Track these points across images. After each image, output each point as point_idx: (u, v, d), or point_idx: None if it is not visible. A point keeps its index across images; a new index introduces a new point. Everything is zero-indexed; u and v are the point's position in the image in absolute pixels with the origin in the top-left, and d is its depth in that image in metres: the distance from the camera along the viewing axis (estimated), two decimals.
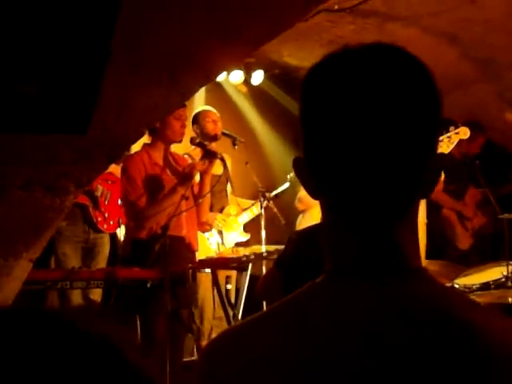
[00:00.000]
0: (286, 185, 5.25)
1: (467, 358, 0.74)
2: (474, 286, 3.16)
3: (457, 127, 3.55)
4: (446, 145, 3.53)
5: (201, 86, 2.63)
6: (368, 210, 0.81)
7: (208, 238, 4.69)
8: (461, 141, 3.67)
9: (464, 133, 3.59)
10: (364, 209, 0.81)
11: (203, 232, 4.59)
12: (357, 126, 0.79)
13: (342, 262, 0.83)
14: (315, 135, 0.83)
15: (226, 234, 4.81)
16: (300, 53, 5.19)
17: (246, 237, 5.08)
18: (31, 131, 1.82)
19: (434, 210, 4.76)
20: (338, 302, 0.80)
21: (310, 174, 0.85)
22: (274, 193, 5.08)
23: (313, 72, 0.84)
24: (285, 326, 0.82)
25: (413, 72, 0.81)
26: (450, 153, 3.81)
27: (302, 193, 5.34)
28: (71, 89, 1.67)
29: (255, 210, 4.97)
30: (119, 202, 4.65)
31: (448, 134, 3.54)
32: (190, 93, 2.63)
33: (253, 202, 5.08)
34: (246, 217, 5.05)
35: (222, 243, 4.72)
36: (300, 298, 0.84)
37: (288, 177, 5.30)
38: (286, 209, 5.32)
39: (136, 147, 4.10)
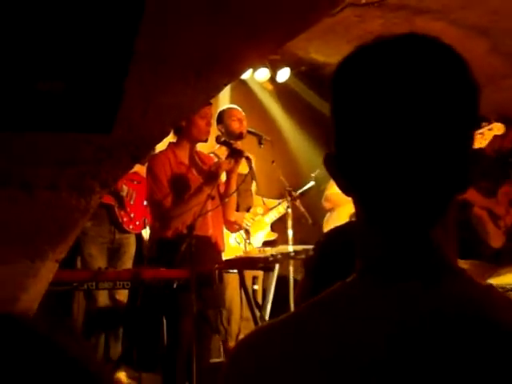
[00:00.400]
0: (311, 183, 5.24)
1: (507, 365, 0.71)
2: (507, 286, 3.11)
3: (489, 123, 3.50)
4: (479, 141, 3.49)
5: (226, 84, 2.63)
6: (404, 208, 0.79)
7: (235, 238, 4.70)
8: (493, 137, 3.63)
9: (498, 129, 3.54)
10: (400, 206, 0.79)
11: (232, 232, 4.59)
12: (392, 120, 0.78)
13: (374, 260, 0.82)
14: (348, 131, 0.82)
15: (252, 233, 4.81)
16: (327, 49, 5.17)
17: (273, 236, 5.08)
18: (55, 130, 1.84)
19: (465, 208, 4.70)
20: (368, 302, 0.79)
21: (341, 171, 0.83)
22: (300, 191, 5.07)
23: (344, 65, 0.83)
24: (314, 325, 0.81)
25: (450, 63, 0.80)
26: (481, 149, 3.77)
27: (329, 191, 5.32)
28: (96, 87, 1.68)
29: (282, 209, 4.96)
30: (145, 202, 4.68)
31: (481, 131, 3.50)
32: (215, 91, 2.63)
33: (279, 201, 5.07)
34: (273, 216, 5.05)
35: (249, 243, 4.72)
36: (329, 297, 0.83)
37: (313, 175, 5.28)
38: (312, 207, 5.30)
39: (161, 146, 4.12)
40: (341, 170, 0.83)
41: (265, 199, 5.02)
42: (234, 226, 4.48)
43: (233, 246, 4.70)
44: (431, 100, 0.77)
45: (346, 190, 0.85)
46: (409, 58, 0.79)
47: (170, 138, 3.94)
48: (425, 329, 0.74)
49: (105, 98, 1.71)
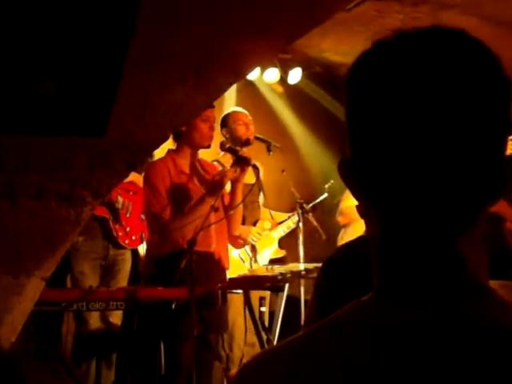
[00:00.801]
0: (325, 195, 5.24)
1: None
2: None
3: None
4: (510, 148, 3.49)
5: (230, 85, 2.64)
6: (429, 220, 0.78)
7: (239, 255, 4.70)
8: None
9: None
10: (424, 218, 0.78)
11: (237, 248, 4.59)
12: (416, 122, 0.76)
13: (393, 278, 0.81)
14: (365, 134, 0.81)
15: (259, 250, 4.81)
16: (342, 47, 5.18)
17: (280, 254, 5.07)
18: (44, 133, 1.85)
19: (495, 223, 4.68)
20: (387, 327, 0.78)
21: (357, 179, 0.83)
22: (312, 204, 5.07)
23: (360, 62, 0.82)
24: (324, 349, 0.79)
25: (480, 59, 0.78)
26: None
27: (344, 204, 5.32)
28: (88, 88, 1.70)
29: (291, 223, 4.96)
30: (142, 215, 4.69)
31: None
32: (218, 92, 2.64)
33: (289, 214, 5.07)
34: (282, 231, 5.05)
35: (255, 261, 4.71)
36: (343, 319, 0.82)
37: (326, 186, 5.28)
38: (326, 222, 5.30)
39: (160, 153, 4.14)
40: (357, 177, 0.83)
41: (273, 212, 5.03)
42: (238, 241, 4.47)
43: (238, 263, 4.70)
44: (460, 100, 0.75)
45: (361, 200, 0.84)
46: (434, 53, 0.77)
47: (170, 144, 3.96)
48: (452, 362, 0.73)
49: (97, 98, 1.73)
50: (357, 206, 2.75)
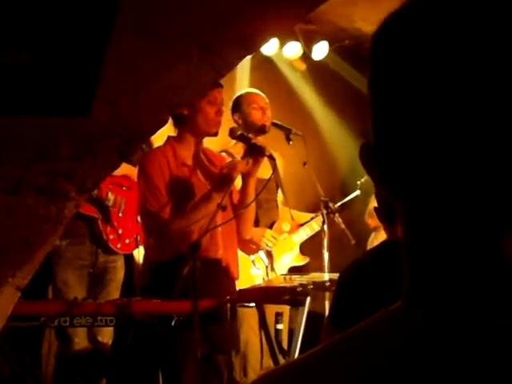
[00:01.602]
0: (356, 193, 5.23)
1: None
2: None
3: None
4: None
5: (240, 59, 2.65)
6: (470, 213, 0.78)
7: (253, 262, 4.71)
8: None
9: None
10: (464, 211, 0.78)
11: (248, 254, 4.60)
12: (456, 96, 0.75)
13: (425, 283, 0.81)
14: (392, 112, 0.80)
15: (276, 256, 4.82)
16: (377, 16, 5.17)
17: (303, 261, 5.08)
18: (18, 112, 1.87)
19: None
20: (417, 340, 0.78)
21: (382, 168, 0.82)
22: (341, 203, 5.07)
23: (387, 24, 0.81)
24: (349, 366, 0.80)
25: None
26: None
27: (375, 204, 5.31)
28: (69, 57, 1.72)
29: (315, 225, 4.97)
30: (137, 214, 4.72)
31: None
32: (226, 68, 2.65)
33: (312, 215, 5.07)
34: (304, 234, 5.05)
35: (272, 269, 4.72)
36: (369, 331, 0.82)
37: (358, 183, 5.28)
38: (357, 224, 5.30)
39: (158, 141, 4.15)
40: (381, 166, 0.82)
41: (293, 212, 5.03)
42: (249, 246, 4.48)
43: (252, 273, 4.72)
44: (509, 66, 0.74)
45: (387, 193, 0.84)
46: (477, 10, 0.76)
47: (169, 130, 3.97)
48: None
49: (81, 71, 1.74)
50: (375, 209, 2.77)
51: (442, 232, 0.80)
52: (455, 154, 0.77)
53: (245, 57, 2.64)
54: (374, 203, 5.32)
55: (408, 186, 0.81)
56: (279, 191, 4.96)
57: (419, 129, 0.78)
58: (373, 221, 5.38)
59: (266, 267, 4.72)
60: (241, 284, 4.14)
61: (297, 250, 5.06)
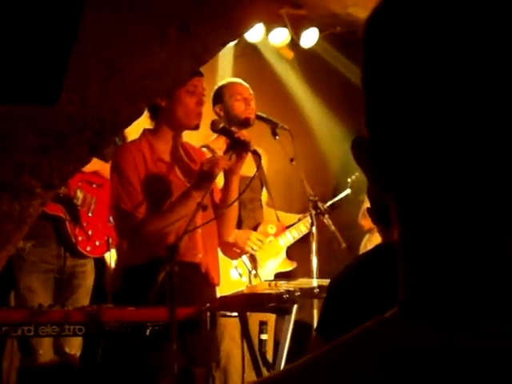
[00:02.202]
0: (347, 191, 5.23)
1: None
2: None
3: None
4: None
5: (223, 45, 2.65)
6: (470, 213, 0.77)
7: (235, 267, 4.70)
8: None
9: None
10: (464, 211, 0.78)
11: (231, 258, 4.59)
12: (455, 85, 0.75)
13: (424, 291, 0.81)
14: (387, 104, 0.80)
15: (261, 261, 4.82)
16: (372, 0, 5.18)
17: (290, 266, 5.07)
18: None
19: None
20: (418, 354, 0.77)
21: (376, 162, 0.82)
22: (330, 203, 5.06)
23: (380, 10, 0.80)
24: (339, 378, 0.80)
25: None
26: None
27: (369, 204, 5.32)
28: (35, 39, 1.69)
29: (303, 227, 4.96)
30: (109, 214, 4.70)
31: None
32: (207, 54, 2.65)
33: (300, 216, 5.07)
34: (291, 237, 5.05)
35: (256, 274, 4.71)
36: (361, 340, 0.82)
37: (349, 180, 5.27)
38: (348, 226, 5.30)
39: (132, 134, 4.13)
40: (375, 161, 0.82)
41: (279, 213, 5.02)
42: (233, 250, 4.47)
43: (233, 279, 4.71)
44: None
45: (381, 189, 0.84)
46: None
47: (145, 122, 3.95)
48: None
49: (47, 54, 1.72)
50: (368, 210, 2.78)
51: (441, 234, 0.80)
52: (455, 149, 0.76)
53: (228, 42, 2.63)
54: (368, 203, 5.34)
55: (405, 184, 0.81)
56: (264, 190, 4.95)
57: (416, 122, 0.78)
58: (367, 222, 5.39)
59: (250, 272, 4.71)
60: (222, 290, 4.13)
61: (283, 254, 5.05)
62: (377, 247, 2.93)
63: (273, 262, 4.95)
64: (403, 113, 0.79)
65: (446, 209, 0.79)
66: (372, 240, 5.33)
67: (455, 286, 0.79)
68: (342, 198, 5.25)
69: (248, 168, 4.21)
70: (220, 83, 4.86)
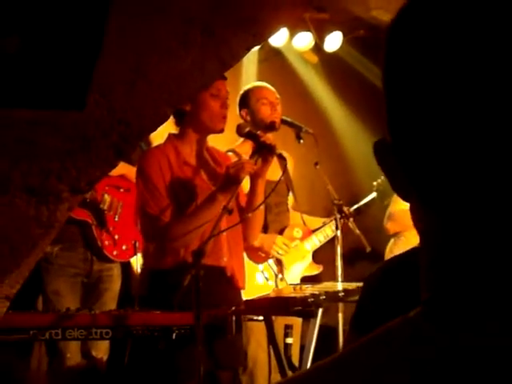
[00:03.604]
0: (372, 195, 5.21)
1: None
2: None
3: None
4: None
5: (248, 50, 2.64)
6: (496, 217, 0.77)
7: (262, 271, 4.69)
8: None
9: None
10: (489, 214, 0.77)
11: (256, 262, 4.59)
12: (479, 88, 0.75)
13: (445, 292, 0.81)
14: (409, 106, 0.79)
15: (287, 265, 4.81)
16: (395, 4, 5.16)
17: (316, 270, 5.06)
18: (4, 106, 1.85)
19: None
20: (444, 353, 0.77)
21: (399, 165, 0.81)
22: (355, 207, 5.04)
23: (403, 13, 0.81)
24: (362, 379, 0.80)
25: None
26: None
27: (394, 207, 5.30)
28: (62, 45, 1.70)
29: (330, 231, 4.95)
30: (135, 219, 4.70)
31: None
32: (232, 58, 2.64)
33: (326, 220, 5.05)
34: (317, 241, 5.04)
35: (282, 278, 4.70)
36: (386, 340, 0.82)
37: (374, 184, 5.25)
38: (374, 230, 5.28)
39: (158, 139, 4.13)
40: (398, 162, 0.81)
41: (306, 217, 5.00)
42: (258, 255, 4.46)
43: (260, 283, 4.70)
44: None
45: (404, 192, 0.83)
46: None
47: (171, 127, 3.95)
48: None
49: (75, 60, 1.72)
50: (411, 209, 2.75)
51: (466, 237, 0.79)
52: (482, 151, 0.75)
53: (253, 46, 2.63)
54: (394, 206, 5.32)
55: (430, 187, 0.80)
56: (290, 194, 4.94)
57: (440, 124, 0.77)
58: (393, 225, 5.36)
59: (276, 276, 4.70)
60: (247, 294, 4.12)
61: (309, 258, 5.04)
62: (414, 249, 2.90)
63: (299, 265, 4.94)
64: (425, 116, 0.78)
65: (475, 215, 0.78)
66: (398, 244, 5.30)
67: (484, 292, 0.78)
68: (367, 203, 5.23)
69: (274, 172, 4.20)
70: (246, 87, 4.86)
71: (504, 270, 0.77)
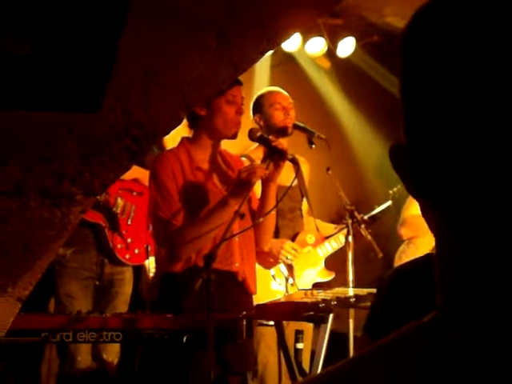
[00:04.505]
0: (388, 203, 5.20)
1: None
2: None
3: None
4: None
5: (262, 54, 2.63)
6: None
7: (273, 276, 4.68)
8: None
9: None
10: (506, 220, 0.77)
11: (266, 267, 4.58)
12: (497, 93, 0.74)
13: (458, 298, 0.81)
14: (426, 111, 0.79)
15: (300, 271, 4.80)
16: (409, 9, 5.15)
17: (328, 276, 5.05)
18: (18, 107, 1.86)
19: None
20: (459, 361, 0.77)
21: (415, 170, 0.82)
22: (370, 214, 5.03)
23: (419, 18, 0.81)
24: (371, 381, 0.80)
25: None
26: None
27: (408, 212, 5.28)
28: (76, 46, 1.70)
29: (343, 238, 4.93)
30: (148, 222, 4.70)
31: None
32: (246, 62, 2.63)
33: (340, 226, 5.03)
34: (330, 248, 5.03)
35: (293, 283, 4.70)
36: (399, 346, 0.82)
37: (390, 192, 5.24)
38: (384, 236, 5.27)
39: (171, 143, 4.14)
40: (413, 166, 0.82)
41: (320, 223, 4.99)
42: (267, 260, 4.46)
43: (273, 288, 4.69)
44: None
45: (419, 197, 0.83)
46: None
47: (184, 131, 3.96)
48: None
49: (89, 62, 1.72)
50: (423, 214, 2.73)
51: (481, 242, 0.79)
52: (499, 158, 0.75)
53: (267, 51, 2.62)
54: (407, 211, 5.30)
55: (446, 192, 0.80)
56: (304, 199, 4.93)
57: (457, 129, 0.77)
58: (407, 230, 5.35)
59: (286, 281, 4.69)
60: (260, 300, 4.11)
61: (322, 264, 5.03)
62: (428, 255, 2.89)
63: (311, 271, 4.93)
64: (443, 121, 0.78)
65: (490, 220, 0.78)
66: (407, 251, 5.29)
67: (499, 297, 0.77)
68: (383, 210, 5.22)
69: (290, 178, 4.19)
70: (259, 92, 4.86)
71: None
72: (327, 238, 5.06)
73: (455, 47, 0.77)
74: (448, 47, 0.78)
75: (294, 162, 4.05)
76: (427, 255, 3.03)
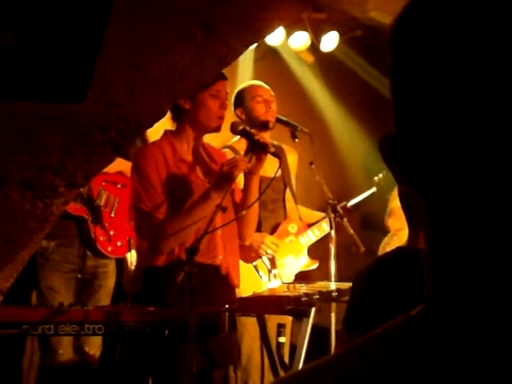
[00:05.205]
0: (372, 190, 5.20)
1: None
2: None
3: None
4: None
5: (246, 47, 2.64)
6: (498, 214, 0.76)
7: (255, 267, 4.68)
8: None
9: None
10: (498, 215, 0.77)
11: (246, 261, 4.57)
12: (486, 86, 0.75)
13: (447, 290, 0.80)
14: (416, 103, 0.80)
15: (281, 259, 4.79)
16: (393, 5, 5.17)
17: (313, 265, 5.04)
18: (2, 98, 1.84)
19: None
20: (448, 355, 0.77)
21: (404, 162, 0.82)
22: (352, 203, 5.03)
23: (410, 10, 0.81)
24: (365, 377, 0.79)
25: None
26: None
27: (395, 204, 5.28)
28: (61, 37, 1.69)
29: (326, 226, 4.91)
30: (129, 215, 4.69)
31: None
32: (231, 55, 2.63)
33: (323, 214, 5.02)
34: (313, 236, 5.02)
35: (275, 275, 4.69)
36: (386, 339, 0.82)
37: (375, 179, 5.24)
38: (369, 226, 5.27)
39: (154, 135, 4.13)
40: (403, 158, 0.81)
41: (302, 209, 4.97)
42: (248, 254, 4.45)
43: (255, 280, 4.69)
44: None
45: (412, 191, 0.83)
46: None
47: (167, 123, 3.95)
48: None
49: (74, 53, 1.71)
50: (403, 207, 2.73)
51: (467, 233, 0.79)
52: (488, 149, 0.75)
53: (252, 44, 2.62)
54: (394, 202, 5.29)
55: (435, 184, 0.80)
56: (287, 190, 4.92)
57: (447, 120, 0.77)
58: (393, 222, 5.35)
59: (269, 271, 4.69)
60: (246, 293, 4.11)
61: (304, 253, 5.02)
62: (399, 249, 2.90)
63: (294, 260, 4.92)
64: (433, 112, 0.78)
65: (479, 212, 0.77)
66: (390, 243, 5.28)
67: (488, 289, 0.77)
68: (366, 198, 5.22)
69: (273, 168, 4.18)
70: (241, 86, 4.85)
71: (503, 269, 0.77)
72: (310, 226, 5.06)
73: (444, 40, 0.77)
74: (437, 40, 0.78)
75: (276, 155, 4.04)
76: (397, 248, 3.05)
